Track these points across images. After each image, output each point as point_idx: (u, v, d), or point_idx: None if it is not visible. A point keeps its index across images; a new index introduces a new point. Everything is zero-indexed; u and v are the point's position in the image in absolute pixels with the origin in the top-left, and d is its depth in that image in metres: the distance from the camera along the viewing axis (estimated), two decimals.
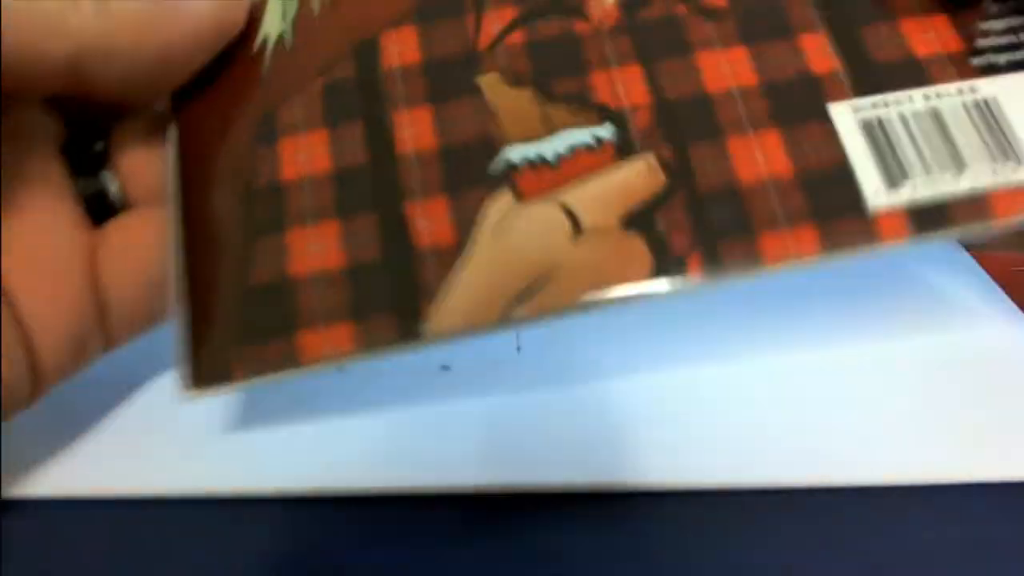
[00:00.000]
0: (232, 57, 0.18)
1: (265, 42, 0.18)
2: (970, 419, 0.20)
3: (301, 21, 0.18)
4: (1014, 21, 0.18)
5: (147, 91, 0.17)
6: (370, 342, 0.15)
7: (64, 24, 0.15)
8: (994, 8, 0.18)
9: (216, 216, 0.16)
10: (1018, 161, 0.16)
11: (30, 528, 0.18)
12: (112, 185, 0.17)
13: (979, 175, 0.16)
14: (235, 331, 0.16)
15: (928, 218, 0.16)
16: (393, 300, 0.16)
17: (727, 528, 0.18)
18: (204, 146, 0.17)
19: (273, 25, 0.18)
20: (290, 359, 0.15)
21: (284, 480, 0.19)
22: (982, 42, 0.18)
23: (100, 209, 0.17)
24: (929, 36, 0.18)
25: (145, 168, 0.17)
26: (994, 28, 0.18)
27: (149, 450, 0.19)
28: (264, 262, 0.16)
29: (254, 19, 0.18)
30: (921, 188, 0.16)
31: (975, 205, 0.16)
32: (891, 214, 0.16)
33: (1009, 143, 0.17)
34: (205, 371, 0.15)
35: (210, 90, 0.18)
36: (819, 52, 0.18)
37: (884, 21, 0.18)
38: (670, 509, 0.19)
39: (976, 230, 0.16)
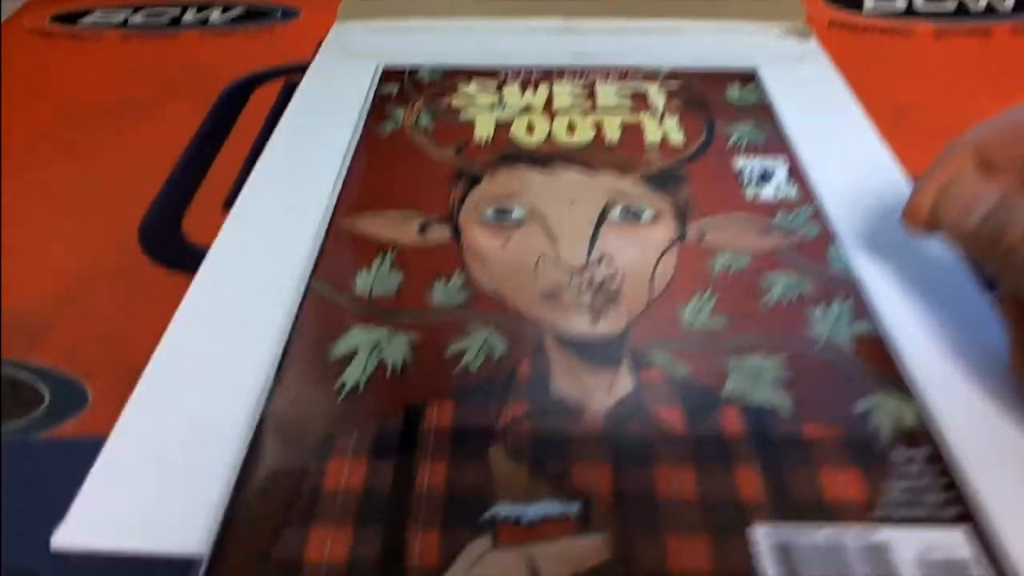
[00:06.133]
0: (316, 387, 0.25)
1: (343, 386, 0.25)
2: None
3: (375, 379, 0.26)
4: (912, 483, 0.22)
5: None
6: None
7: None
8: (899, 470, 0.23)
9: (262, 497, 0.22)
10: None
11: None
12: None
13: None
14: None
15: None
16: None
17: None
18: (278, 436, 0.24)
19: (354, 375, 0.26)
20: None
21: None
22: (884, 497, 0.22)
23: None
24: (839, 484, 0.23)
25: None
26: (895, 487, 0.22)
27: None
28: (287, 545, 0.21)
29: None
30: None
31: None
32: None
33: None
34: None
35: (293, 401, 0.25)
36: (750, 483, 0.23)
37: (806, 467, 0.23)
38: None
39: None
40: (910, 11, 0.51)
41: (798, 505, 0.22)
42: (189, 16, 0.52)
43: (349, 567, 0.21)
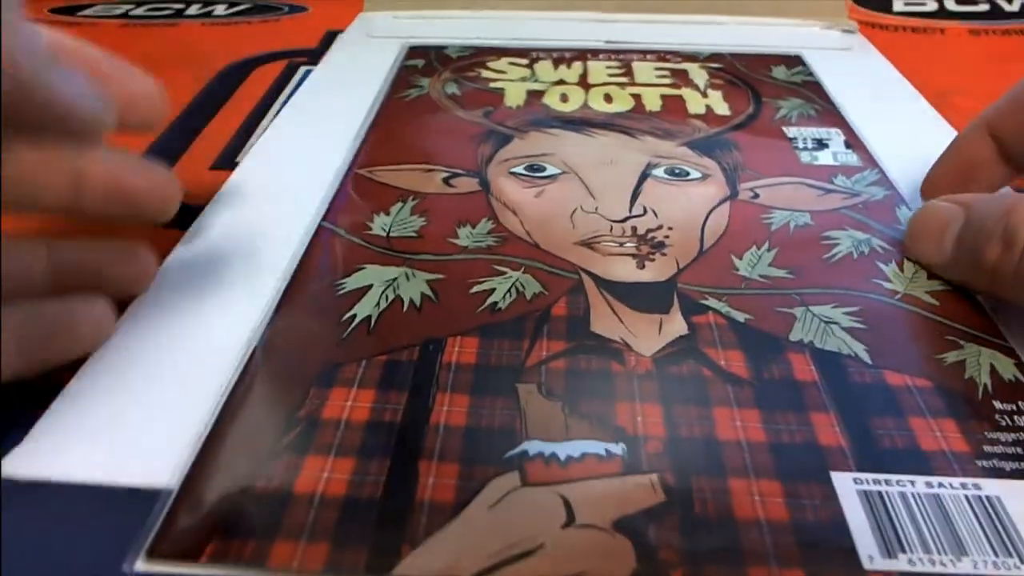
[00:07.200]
0: (321, 319, 0.22)
1: (353, 318, 0.22)
2: None
3: (388, 313, 0.22)
4: (1023, 435, 0.19)
5: None
6: (337, 568, 0.16)
7: None
8: (1006, 422, 0.19)
9: (250, 425, 0.19)
10: (1021, 560, 0.16)
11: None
12: None
13: (980, 564, 0.16)
14: (218, 522, 0.17)
15: None
16: (376, 537, 0.16)
17: None
18: (274, 364, 0.21)
19: (365, 309, 0.22)
20: (257, 562, 0.16)
21: None
22: (989, 448, 0.19)
23: None
24: (936, 435, 0.19)
25: None
26: (1002, 439, 0.19)
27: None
28: (275, 476, 0.18)
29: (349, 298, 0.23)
30: (919, 563, 0.16)
31: None
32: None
33: (1012, 542, 0.17)
34: (173, 548, 0.16)
35: (294, 331, 0.22)
36: (827, 429, 0.19)
37: (893, 416, 0.20)
38: None
39: None
40: (941, 12, 0.49)
41: (887, 453, 0.19)
42: (192, 10, 0.51)
43: (346, 499, 0.17)
